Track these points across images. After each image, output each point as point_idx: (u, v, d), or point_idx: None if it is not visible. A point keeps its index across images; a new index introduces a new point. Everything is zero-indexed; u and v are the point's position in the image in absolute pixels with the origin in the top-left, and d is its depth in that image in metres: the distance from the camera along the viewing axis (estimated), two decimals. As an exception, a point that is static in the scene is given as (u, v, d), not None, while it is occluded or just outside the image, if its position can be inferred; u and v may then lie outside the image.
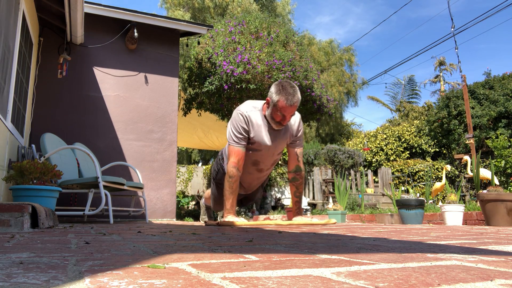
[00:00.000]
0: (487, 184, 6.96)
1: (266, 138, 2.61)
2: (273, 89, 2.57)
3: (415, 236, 1.83)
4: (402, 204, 4.33)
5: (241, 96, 6.19)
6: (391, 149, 12.93)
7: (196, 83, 6.97)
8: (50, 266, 0.75)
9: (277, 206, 9.18)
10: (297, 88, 2.57)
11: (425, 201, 5.44)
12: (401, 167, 11.78)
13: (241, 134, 2.59)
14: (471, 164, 6.17)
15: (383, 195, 9.75)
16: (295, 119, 2.74)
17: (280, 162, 10.05)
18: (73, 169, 4.08)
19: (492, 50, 61.69)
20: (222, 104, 6.59)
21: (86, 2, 4.75)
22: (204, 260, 0.88)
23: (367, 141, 13.35)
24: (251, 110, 2.63)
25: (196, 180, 12.32)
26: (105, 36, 5.30)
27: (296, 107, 2.52)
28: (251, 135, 2.61)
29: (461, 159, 9.63)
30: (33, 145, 3.89)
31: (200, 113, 7.48)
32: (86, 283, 0.59)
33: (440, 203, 4.82)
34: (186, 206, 9.63)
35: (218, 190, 2.89)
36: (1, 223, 1.84)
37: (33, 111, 4.76)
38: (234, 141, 2.60)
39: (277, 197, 9.72)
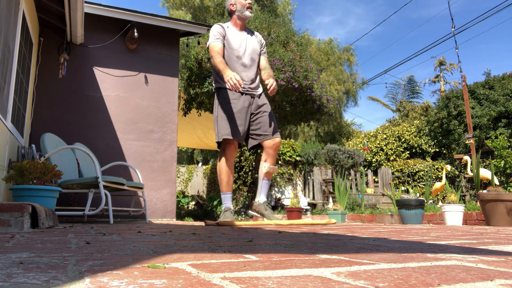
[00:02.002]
0: (487, 184, 6.96)
1: (238, 37, 3.24)
2: None
3: (415, 236, 1.83)
4: (402, 204, 4.33)
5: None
6: (391, 149, 12.92)
7: (196, 83, 6.97)
8: (50, 266, 0.75)
9: (277, 206, 9.18)
10: None
11: (425, 201, 5.44)
12: (401, 167, 11.78)
13: (218, 34, 3.17)
14: (471, 164, 6.18)
15: (383, 195, 9.75)
16: (259, 34, 3.46)
17: (280, 162, 10.05)
18: (73, 169, 4.08)
19: (492, 50, 61.62)
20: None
21: (86, 2, 4.75)
22: (204, 260, 0.88)
23: (367, 141, 13.35)
24: (224, 23, 3.31)
25: (196, 180, 12.32)
26: (105, 36, 5.30)
27: None
28: (228, 36, 3.21)
29: (461, 159, 9.64)
30: (33, 145, 3.89)
31: (200, 113, 7.49)
32: (86, 283, 0.59)
33: (440, 203, 4.83)
34: (186, 206, 9.63)
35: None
36: (1, 223, 1.84)
37: (33, 111, 4.76)
38: (213, 39, 3.17)
39: (277, 197, 9.73)
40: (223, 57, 3.17)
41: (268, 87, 3.11)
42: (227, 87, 2.98)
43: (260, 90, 3.32)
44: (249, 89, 3.20)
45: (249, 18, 3.28)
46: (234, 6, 3.26)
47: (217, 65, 3.04)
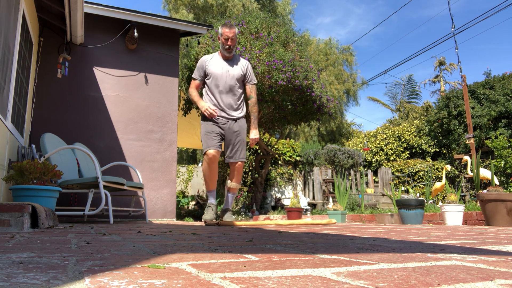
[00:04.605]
0: (487, 184, 6.96)
1: (219, 66, 3.59)
2: (218, 28, 3.65)
3: (415, 236, 1.83)
4: (402, 204, 4.33)
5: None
6: (391, 149, 12.92)
7: (196, 83, 6.96)
8: (50, 266, 0.75)
9: (277, 206, 9.18)
10: (234, 26, 3.62)
11: (425, 201, 5.44)
12: (401, 167, 11.77)
13: (199, 70, 3.61)
14: (471, 164, 6.17)
15: (383, 195, 9.75)
16: (246, 62, 3.74)
17: (280, 162, 10.05)
18: (73, 169, 4.08)
19: (492, 50, 61.43)
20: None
21: (86, 2, 4.75)
22: (204, 260, 0.88)
23: (367, 141, 13.35)
24: (209, 55, 3.71)
25: (196, 180, 12.31)
26: (105, 36, 5.30)
27: (234, 32, 3.55)
28: (208, 67, 3.58)
29: (461, 159, 9.63)
30: (33, 145, 3.89)
31: (200, 113, 7.48)
32: (86, 283, 0.59)
33: (440, 203, 4.82)
34: (186, 206, 9.63)
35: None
36: (1, 223, 1.84)
37: (33, 111, 4.76)
38: (194, 74, 3.66)
39: (277, 197, 9.73)
40: (204, 85, 3.67)
41: (249, 143, 3.65)
42: (206, 115, 3.50)
43: (240, 114, 3.64)
44: (227, 115, 3.56)
45: (227, 57, 3.63)
46: (219, 40, 3.63)
47: (193, 98, 3.61)
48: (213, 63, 3.60)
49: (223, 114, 3.55)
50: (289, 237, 1.66)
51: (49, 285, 0.56)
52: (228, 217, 3.53)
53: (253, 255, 0.97)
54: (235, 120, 3.58)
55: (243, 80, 3.67)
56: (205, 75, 3.61)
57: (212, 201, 3.58)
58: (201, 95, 3.75)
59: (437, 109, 12.82)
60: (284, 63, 6.03)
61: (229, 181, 3.67)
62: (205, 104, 3.49)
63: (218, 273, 0.70)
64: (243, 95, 3.70)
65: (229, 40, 3.53)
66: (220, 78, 3.55)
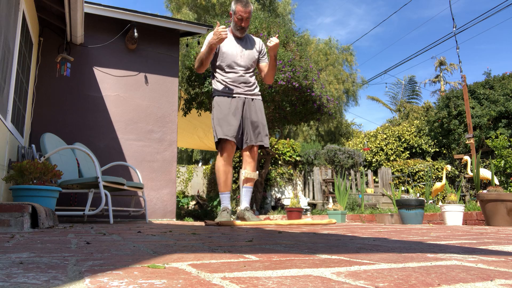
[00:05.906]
0: (487, 184, 6.96)
1: (233, 46, 3.32)
2: (232, 3, 3.30)
3: (415, 236, 1.83)
4: (402, 204, 4.33)
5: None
6: (391, 149, 12.92)
7: (196, 83, 6.97)
8: (50, 266, 0.75)
9: (277, 206, 9.18)
10: (250, 3, 3.31)
11: (425, 201, 5.44)
12: (401, 167, 11.77)
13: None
14: (471, 164, 6.17)
15: (383, 195, 9.75)
16: (259, 39, 3.52)
17: (280, 162, 10.04)
18: (73, 169, 4.08)
19: (492, 50, 61.61)
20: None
21: (86, 2, 4.75)
22: (204, 260, 0.88)
23: (367, 141, 13.35)
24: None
25: (196, 180, 12.31)
26: (105, 36, 5.30)
27: (250, 11, 3.23)
28: (222, 46, 3.28)
29: (461, 159, 9.63)
30: (33, 145, 3.89)
31: (200, 113, 7.48)
32: (86, 283, 0.59)
33: (440, 203, 4.82)
34: (186, 206, 9.63)
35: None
36: (1, 223, 1.84)
37: (33, 111, 4.76)
38: (203, 47, 3.28)
39: (277, 197, 9.72)
40: (216, 62, 3.35)
41: (271, 39, 3.19)
42: (223, 35, 3.07)
43: (257, 90, 3.40)
44: (242, 93, 3.31)
45: (239, 37, 3.36)
46: (231, 17, 3.33)
47: (201, 53, 3.19)
48: (228, 39, 3.32)
49: (239, 90, 3.27)
50: (289, 237, 1.66)
51: (49, 285, 0.56)
52: (249, 214, 3.15)
53: (253, 255, 0.97)
54: (253, 98, 3.32)
55: (257, 59, 3.43)
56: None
57: (226, 204, 3.17)
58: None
59: (437, 109, 12.83)
60: (284, 63, 6.03)
61: (243, 171, 3.24)
62: (213, 32, 3.08)
63: (218, 273, 0.70)
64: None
65: (243, 20, 3.22)
66: (236, 56, 3.28)
